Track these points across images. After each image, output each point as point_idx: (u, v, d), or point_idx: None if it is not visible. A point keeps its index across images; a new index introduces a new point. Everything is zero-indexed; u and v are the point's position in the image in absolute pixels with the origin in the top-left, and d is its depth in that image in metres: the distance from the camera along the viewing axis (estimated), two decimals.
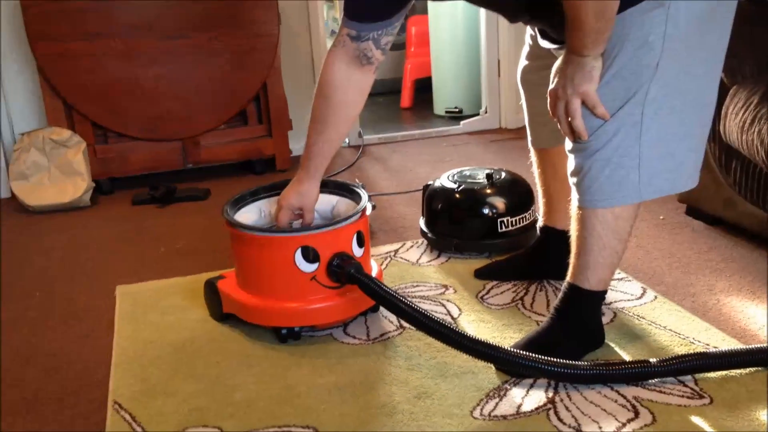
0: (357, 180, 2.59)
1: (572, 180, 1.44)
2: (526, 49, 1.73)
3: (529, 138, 1.80)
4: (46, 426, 1.41)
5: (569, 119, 1.37)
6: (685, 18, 1.31)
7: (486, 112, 3.96)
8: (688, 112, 1.38)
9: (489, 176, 2.11)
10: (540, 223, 1.87)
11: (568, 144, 1.43)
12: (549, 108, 1.41)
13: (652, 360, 1.39)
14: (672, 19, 1.30)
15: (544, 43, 1.54)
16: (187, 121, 3.09)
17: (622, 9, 1.28)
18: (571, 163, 1.43)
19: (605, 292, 1.51)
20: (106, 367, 1.60)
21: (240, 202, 1.81)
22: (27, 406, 1.48)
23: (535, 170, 1.81)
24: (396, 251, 2.17)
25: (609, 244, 1.43)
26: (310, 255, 1.59)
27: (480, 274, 1.94)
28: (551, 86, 1.39)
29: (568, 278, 1.50)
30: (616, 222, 1.41)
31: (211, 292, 1.78)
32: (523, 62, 1.74)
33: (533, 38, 1.65)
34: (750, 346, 1.44)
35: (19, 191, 2.87)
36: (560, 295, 1.52)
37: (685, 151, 1.41)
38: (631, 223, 1.43)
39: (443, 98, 4.45)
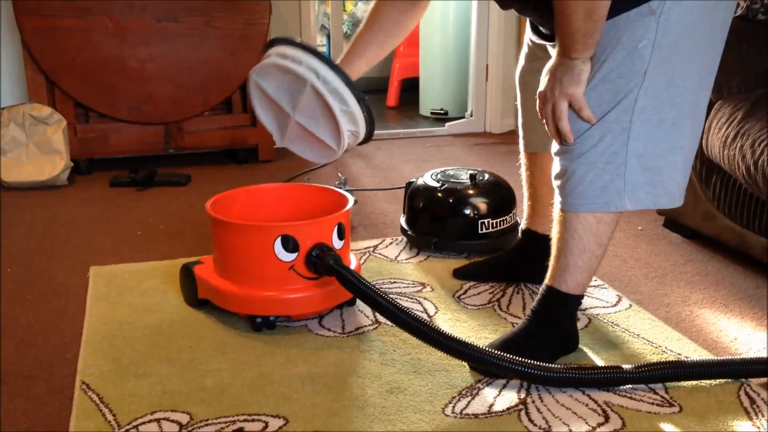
0: (340, 175, 2.58)
1: (556, 183, 1.45)
2: (524, 51, 1.73)
3: (521, 140, 1.80)
4: (15, 400, 1.39)
5: (556, 121, 1.37)
6: (677, 27, 1.31)
7: (471, 116, 3.97)
8: (678, 125, 1.38)
9: (472, 177, 2.12)
10: (522, 226, 1.88)
11: (555, 146, 1.44)
12: (537, 109, 1.42)
13: (625, 366, 1.40)
14: (663, 28, 1.31)
15: (534, 37, 1.55)
16: (173, 104, 3.06)
17: (613, 14, 1.29)
18: (556, 165, 1.44)
19: (582, 296, 1.51)
20: (80, 345, 1.58)
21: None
22: None
23: (523, 173, 1.82)
24: (375, 247, 2.17)
25: (589, 248, 1.43)
26: (290, 244, 1.58)
27: (459, 273, 1.94)
28: (540, 88, 1.40)
29: (546, 281, 1.51)
30: (598, 226, 1.42)
31: (187, 277, 1.76)
32: (521, 63, 1.75)
33: (532, 40, 1.65)
34: (721, 358, 1.46)
35: None
36: (538, 297, 1.52)
37: (671, 167, 1.40)
38: (612, 228, 1.44)
39: (430, 99, 4.45)
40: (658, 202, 1.43)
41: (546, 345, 1.50)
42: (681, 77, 1.36)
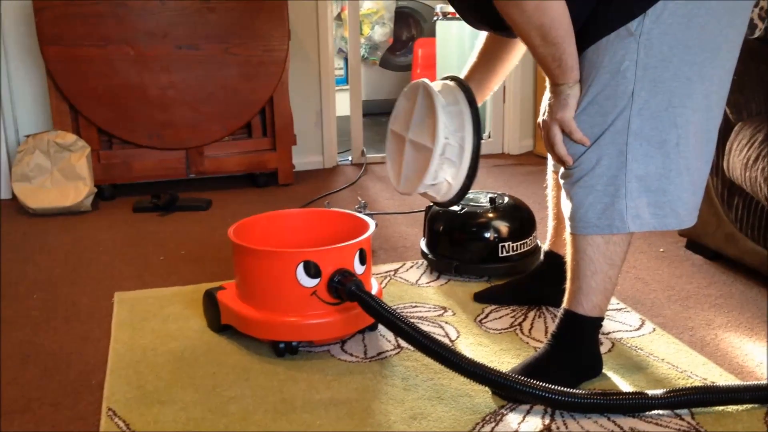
0: (360, 198, 2.60)
1: (563, 206, 1.47)
2: None
3: (549, 161, 1.82)
4: (42, 426, 1.40)
5: (552, 146, 1.42)
6: (660, 47, 1.32)
7: (489, 137, 3.98)
8: (683, 146, 1.37)
9: (492, 200, 2.12)
10: (545, 247, 1.87)
11: (561, 171, 1.46)
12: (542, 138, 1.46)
13: (650, 391, 1.39)
14: (645, 48, 1.32)
15: None
16: (193, 130, 3.10)
17: (596, 38, 1.34)
18: (562, 190, 1.47)
19: (601, 318, 1.51)
20: (105, 371, 1.60)
21: None
22: (24, 405, 1.47)
23: (549, 193, 1.83)
24: (396, 271, 2.17)
25: (601, 269, 1.44)
26: (312, 270, 1.59)
27: (480, 297, 1.94)
28: (539, 117, 1.45)
29: (563, 304, 1.51)
30: (607, 247, 1.42)
31: (210, 303, 1.77)
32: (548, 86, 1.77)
33: None
34: (748, 383, 1.44)
35: (20, 193, 2.87)
36: (557, 321, 1.52)
37: (680, 188, 1.40)
38: (624, 249, 1.44)
39: None
40: (665, 224, 1.42)
41: (568, 369, 1.49)
42: (680, 98, 1.35)
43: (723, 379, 1.53)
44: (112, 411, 1.43)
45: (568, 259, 1.48)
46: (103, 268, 2.26)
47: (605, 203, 1.39)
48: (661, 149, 1.37)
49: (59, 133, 2.93)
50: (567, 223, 1.46)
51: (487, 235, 2.07)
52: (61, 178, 2.89)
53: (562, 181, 1.46)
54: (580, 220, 1.42)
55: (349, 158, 3.78)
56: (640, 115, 1.35)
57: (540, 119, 1.46)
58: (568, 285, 1.49)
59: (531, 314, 1.85)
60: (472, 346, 1.70)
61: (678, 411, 1.40)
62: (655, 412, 1.39)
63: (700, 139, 1.40)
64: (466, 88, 1.66)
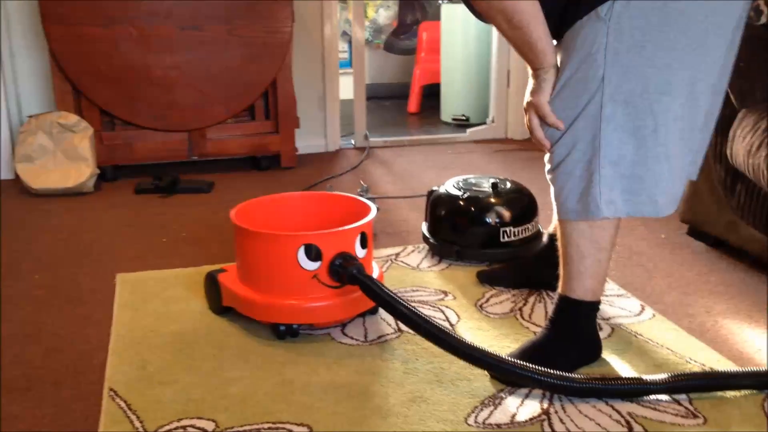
0: (362, 182, 2.60)
1: (551, 192, 1.49)
2: None
3: None
4: (44, 406, 1.41)
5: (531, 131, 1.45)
6: (632, 32, 1.31)
7: (493, 122, 3.97)
8: (660, 133, 1.35)
9: (494, 185, 2.12)
10: (549, 230, 1.87)
11: (545, 156, 1.48)
12: None
13: (647, 377, 1.40)
14: (614, 32, 1.31)
15: None
16: (196, 111, 3.10)
17: (570, 23, 1.36)
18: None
19: (596, 302, 1.51)
20: (106, 351, 1.61)
21: None
22: (27, 384, 1.49)
23: None
24: (397, 255, 2.18)
25: (589, 253, 1.44)
26: (313, 253, 1.59)
27: (482, 276, 1.95)
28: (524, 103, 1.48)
29: (558, 289, 1.51)
30: (592, 231, 1.43)
31: (212, 285, 1.78)
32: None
33: None
34: (746, 369, 1.45)
35: (23, 173, 2.87)
36: (553, 306, 1.53)
37: (657, 175, 1.38)
38: (610, 233, 1.44)
39: (451, 105, 4.46)
40: (640, 210, 1.41)
41: (565, 353, 1.50)
42: (658, 84, 1.33)
43: (722, 365, 1.53)
44: (114, 391, 1.44)
45: (559, 244, 1.50)
46: (105, 249, 2.27)
47: (581, 189, 1.40)
48: (635, 135, 1.36)
49: (62, 114, 2.92)
50: (554, 207, 1.48)
51: (489, 220, 2.07)
52: (63, 158, 2.89)
53: (546, 167, 1.48)
54: (561, 205, 1.44)
55: (352, 142, 3.78)
56: (613, 100, 1.34)
57: (524, 104, 1.48)
58: (561, 270, 1.51)
59: (531, 299, 1.85)
60: (472, 330, 1.70)
61: (676, 396, 1.40)
62: (654, 397, 1.40)
63: (683, 128, 1.37)
64: None
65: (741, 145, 1.87)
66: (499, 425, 1.33)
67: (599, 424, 1.32)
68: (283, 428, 1.32)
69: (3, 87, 3.09)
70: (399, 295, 1.52)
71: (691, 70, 1.34)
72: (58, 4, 2.86)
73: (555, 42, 1.41)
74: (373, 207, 1.77)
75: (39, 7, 2.87)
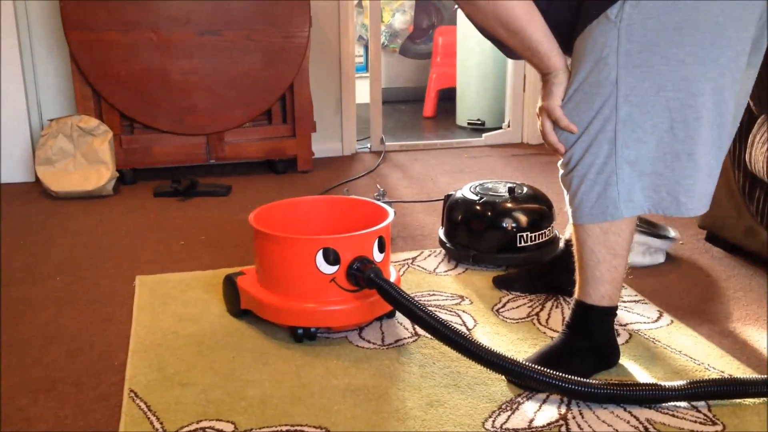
0: (379, 186, 2.61)
1: (565, 197, 1.49)
2: None
3: None
4: (65, 406, 1.43)
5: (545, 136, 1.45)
6: (643, 31, 1.30)
7: (509, 126, 3.97)
8: (677, 130, 1.34)
9: (511, 190, 2.12)
10: (566, 236, 1.87)
11: (559, 162, 1.48)
12: None
13: (667, 383, 1.39)
14: (626, 34, 1.31)
15: None
16: (215, 115, 3.13)
17: (582, 27, 1.36)
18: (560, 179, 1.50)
19: (613, 308, 1.50)
20: (126, 353, 1.62)
21: None
22: (48, 385, 1.50)
23: None
24: (414, 259, 2.18)
25: (603, 259, 1.44)
26: (331, 257, 1.60)
27: (498, 281, 1.95)
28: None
29: (575, 294, 1.51)
30: (606, 236, 1.42)
31: (230, 288, 1.79)
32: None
33: None
34: (766, 376, 1.44)
35: (43, 176, 2.91)
36: (570, 311, 1.53)
37: (678, 173, 1.36)
38: (625, 238, 1.43)
39: (466, 110, 4.46)
40: (661, 207, 1.39)
41: (583, 358, 1.50)
42: (673, 81, 1.32)
43: (741, 372, 1.53)
44: (134, 392, 1.46)
45: (574, 249, 1.50)
46: (125, 252, 2.29)
47: (598, 191, 1.39)
48: (653, 133, 1.35)
49: (82, 118, 2.96)
50: (568, 212, 1.48)
51: (506, 224, 2.07)
52: (83, 162, 2.93)
53: (560, 172, 1.48)
54: (577, 209, 1.44)
55: (368, 146, 3.79)
56: (628, 101, 1.34)
57: (536, 109, 1.49)
58: (577, 275, 1.50)
59: (548, 304, 1.85)
60: (489, 335, 1.70)
61: (695, 403, 1.40)
62: (672, 403, 1.39)
63: (705, 125, 1.35)
64: None
65: (760, 151, 1.86)
66: (516, 430, 1.33)
67: (617, 430, 1.32)
68: (301, 430, 1.33)
69: (24, 91, 3.13)
70: (416, 299, 1.52)
71: (711, 65, 1.31)
72: (79, 10, 2.89)
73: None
74: (391, 211, 1.78)
75: (60, 13, 2.90)
